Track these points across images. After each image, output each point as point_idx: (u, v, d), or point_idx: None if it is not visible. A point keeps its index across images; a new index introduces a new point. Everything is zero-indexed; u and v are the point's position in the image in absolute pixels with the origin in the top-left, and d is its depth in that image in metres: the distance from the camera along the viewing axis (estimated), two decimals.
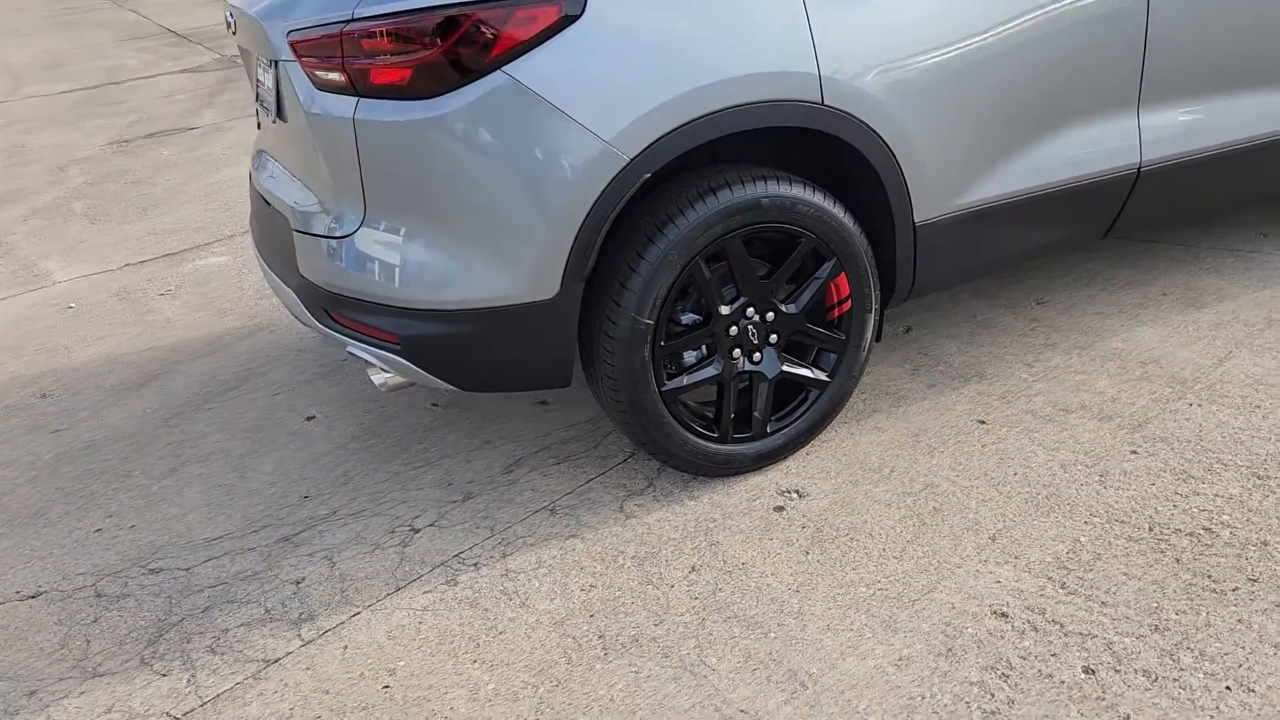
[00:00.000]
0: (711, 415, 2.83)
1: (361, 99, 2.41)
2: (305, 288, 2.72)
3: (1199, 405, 2.98)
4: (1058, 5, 2.86)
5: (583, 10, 2.36)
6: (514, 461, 3.02)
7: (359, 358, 2.68)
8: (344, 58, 2.40)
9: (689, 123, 2.45)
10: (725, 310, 2.69)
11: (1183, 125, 3.19)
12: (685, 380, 2.71)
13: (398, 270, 2.51)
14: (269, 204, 2.93)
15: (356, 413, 3.39)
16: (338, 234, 2.58)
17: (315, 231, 2.64)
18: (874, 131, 2.67)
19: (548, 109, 2.36)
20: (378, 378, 2.71)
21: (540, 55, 2.35)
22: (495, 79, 2.35)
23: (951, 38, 2.73)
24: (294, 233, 2.71)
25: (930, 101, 2.74)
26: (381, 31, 2.34)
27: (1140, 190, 3.19)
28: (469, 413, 3.31)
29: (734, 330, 2.71)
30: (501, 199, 2.42)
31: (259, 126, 3.19)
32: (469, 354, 2.56)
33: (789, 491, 2.77)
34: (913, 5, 2.70)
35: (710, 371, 2.74)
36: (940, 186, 2.84)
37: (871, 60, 2.63)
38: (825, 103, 2.59)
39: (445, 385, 2.63)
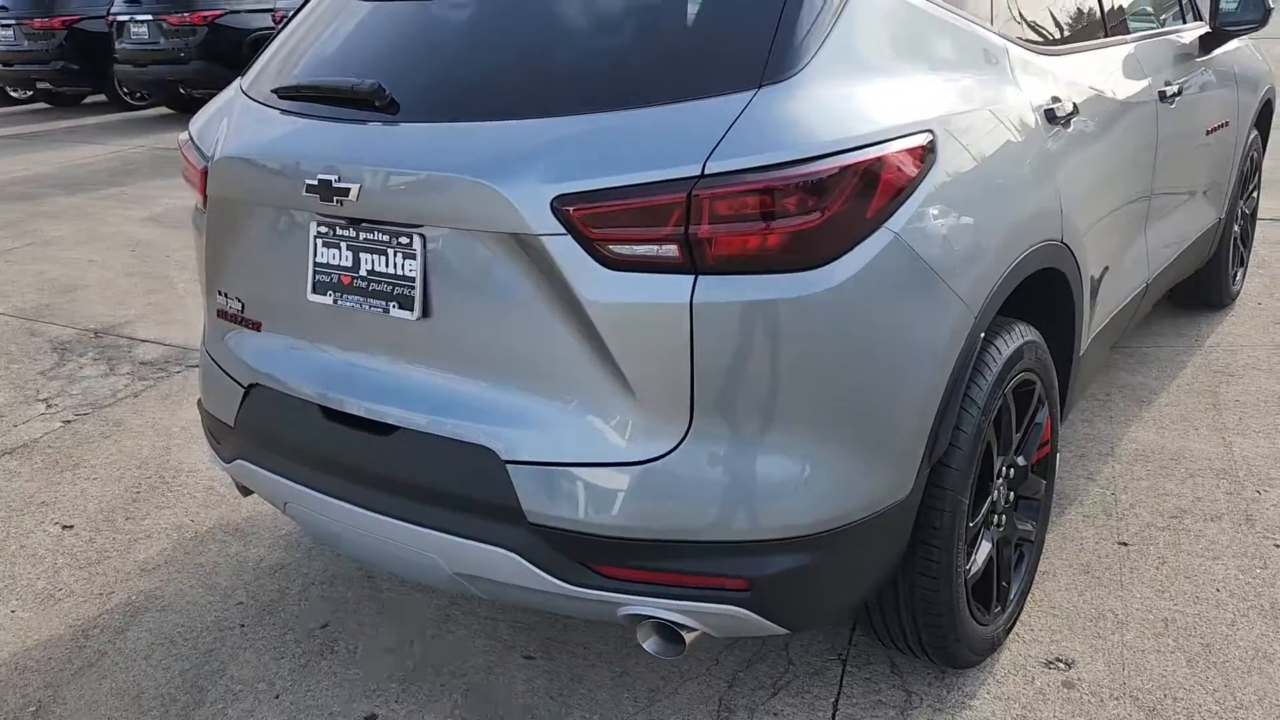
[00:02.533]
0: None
1: (701, 276, 1.81)
2: (528, 539, 1.97)
3: (1269, 489, 3.20)
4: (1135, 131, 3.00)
5: (935, 149, 2.00)
6: (720, 705, 2.41)
7: (638, 619, 1.99)
8: (685, 225, 1.78)
9: (1008, 274, 2.18)
10: (999, 473, 2.39)
11: (1165, 238, 3.48)
12: (976, 560, 2.36)
13: (749, 492, 1.89)
14: (372, 426, 2.13)
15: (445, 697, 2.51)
16: (636, 458, 1.90)
17: (574, 460, 1.93)
18: (1078, 264, 2.57)
19: (923, 269, 1.95)
20: (653, 644, 2.03)
21: (912, 205, 1.94)
22: (881, 238, 1.89)
23: (1117, 179, 2.77)
24: (510, 465, 1.96)
25: (1101, 233, 2.72)
26: (758, 189, 1.78)
27: (1145, 300, 3.41)
28: (611, 661, 2.59)
29: (997, 494, 2.42)
30: (876, 382, 1.94)
31: (278, 312, 2.30)
32: (822, 584, 2.00)
33: (1054, 662, 2.50)
34: (1101, 140, 2.70)
35: (986, 546, 2.41)
36: (1094, 315, 2.83)
37: (1079, 195, 2.56)
38: (1063, 239, 2.45)
39: (774, 629, 2.02)
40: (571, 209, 1.82)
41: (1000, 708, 2.37)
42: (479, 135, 1.96)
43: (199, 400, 2.64)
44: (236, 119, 2.36)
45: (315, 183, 2.07)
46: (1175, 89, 3.33)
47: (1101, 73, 2.93)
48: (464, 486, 2.03)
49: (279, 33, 2.58)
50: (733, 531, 1.89)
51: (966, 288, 2.04)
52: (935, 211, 1.98)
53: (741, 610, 1.93)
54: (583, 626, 2.68)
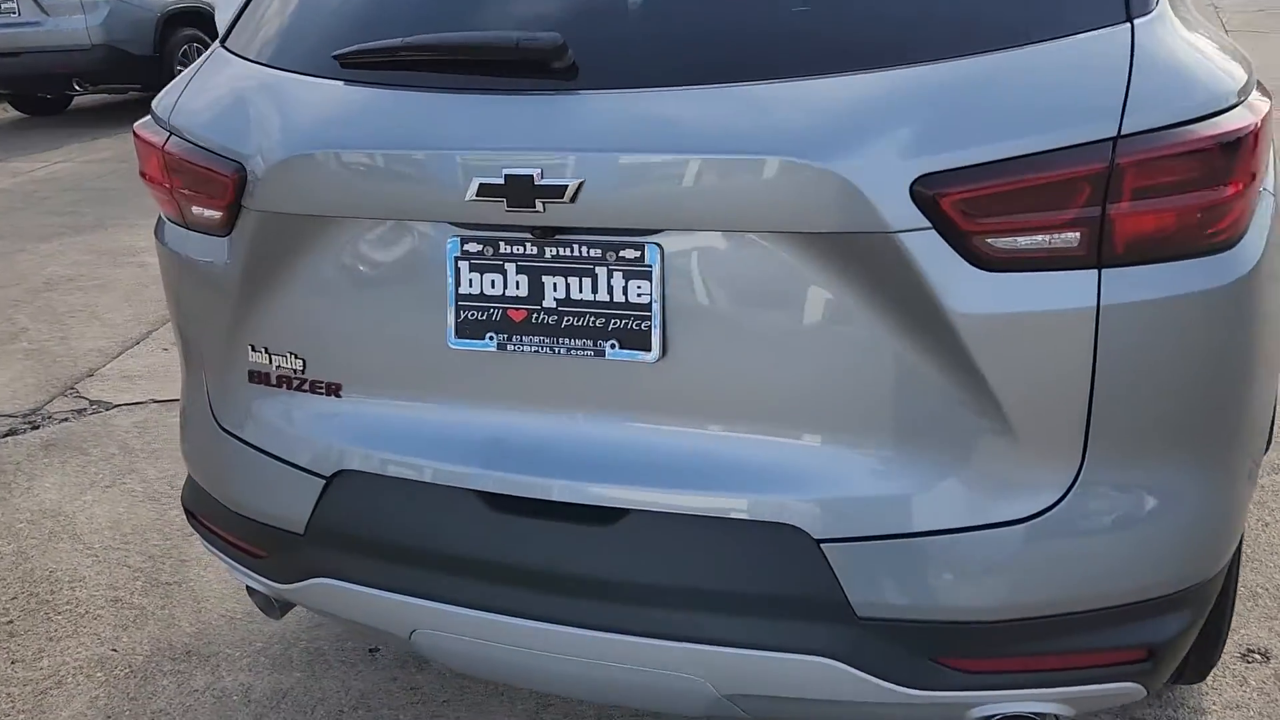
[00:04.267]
0: None
1: (1106, 270, 1.37)
2: (854, 639, 1.48)
3: None
4: None
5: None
6: None
7: None
8: (1101, 204, 1.34)
9: None
10: None
11: None
12: None
13: (1153, 539, 1.49)
14: (581, 514, 1.55)
15: None
16: (1014, 516, 1.44)
17: (925, 528, 1.45)
18: None
19: None
20: None
21: (1271, 157, 1.59)
22: (1266, 203, 1.54)
23: None
24: (826, 545, 1.46)
25: None
26: (1186, 150, 1.35)
27: None
28: None
29: None
30: (1266, 391, 1.59)
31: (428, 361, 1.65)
32: (1194, 638, 1.62)
33: (1249, 654, 2.29)
34: None
35: None
36: None
37: None
38: None
39: (1138, 695, 1.63)
40: (941, 194, 1.33)
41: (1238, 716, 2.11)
42: (775, 100, 1.41)
43: (206, 499, 1.89)
44: (287, 100, 1.65)
45: (498, 182, 1.44)
46: None
47: None
48: (751, 581, 1.49)
49: None
50: (1136, 590, 1.48)
51: None
52: None
53: (1134, 685, 1.53)
54: None
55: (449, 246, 1.55)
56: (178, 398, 2.12)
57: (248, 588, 1.94)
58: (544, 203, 1.43)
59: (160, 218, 1.90)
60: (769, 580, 1.48)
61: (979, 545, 1.44)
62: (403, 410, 1.66)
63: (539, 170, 1.42)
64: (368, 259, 1.61)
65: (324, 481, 1.70)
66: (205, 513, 1.92)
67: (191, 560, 2.76)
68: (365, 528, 1.69)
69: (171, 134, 1.76)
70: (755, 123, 1.39)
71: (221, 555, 1.91)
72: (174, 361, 3.80)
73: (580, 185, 1.41)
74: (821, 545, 1.45)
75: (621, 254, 1.47)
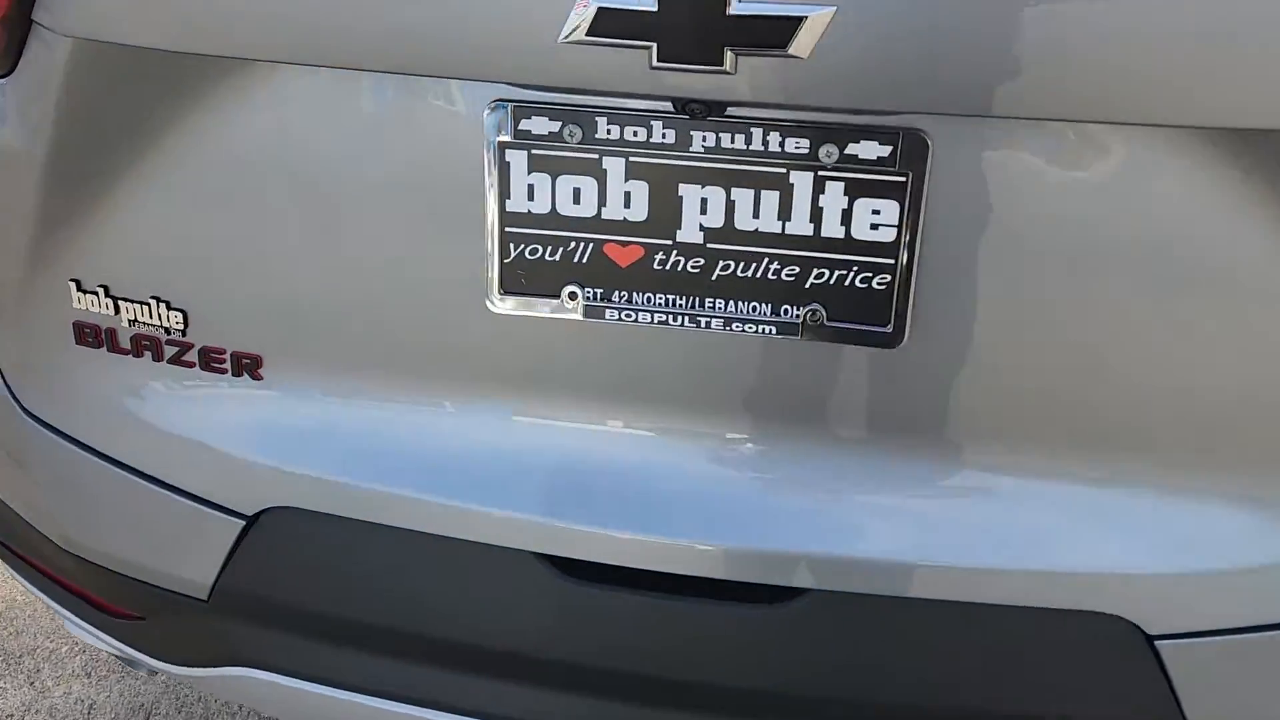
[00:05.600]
0: None
1: None
2: None
3: None
4: None
5: None
6: None
7: None
8: None
9: None
10: None
11: None
12: None
13: None
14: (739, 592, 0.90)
15: None
16: None
17: None
18: None
19: None
20: None
21: None
22: None
23: None
24: (1162, 642, 0.88)
25: None
26: None
27: None
28: None
29: None
30: None
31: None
32: None
33: None
34: None
35: None
36: None
37: None
38: None
39: None
40: None
41: None
42: None
43: (11, 520, 1.13)
44: None
45: (640, 5, 0.69)
46: None
47: None
48: (1021, 701, 0.90)
49: None
50: None
51: None
52: None
53: None
54: None
55: (488, 124, 0.80)
56: None
57: None
58: (739, 54, 0.70)
59: None
60: (1052, 700, 0.90)
61: None
62: (386, 411, 0.94)
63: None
64: (314, 144, 0.85)
65: (242, 523, 0.97)
66: (12, 537, 1.15)
67: None
68: (322, 597, 0.98)
69: None
70: None
71: (55, 605, 1.17)
72: None
73: (831, 20, 0.69)
74: (1156, 644, 0.87)
75: (849, 149, 0.77)
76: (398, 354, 0.91)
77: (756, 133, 0.78)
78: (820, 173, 0.78)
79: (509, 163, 0.81)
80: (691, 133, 0.78)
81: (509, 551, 0.92)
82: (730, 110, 0.76)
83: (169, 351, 0.96)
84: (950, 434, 0.86)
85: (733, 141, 0.78)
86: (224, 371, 0.96)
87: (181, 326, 0.95)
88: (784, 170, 0.78)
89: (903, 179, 0.77)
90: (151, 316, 0.95)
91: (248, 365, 0.95)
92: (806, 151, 0.78)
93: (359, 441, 0.94)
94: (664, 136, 0.79)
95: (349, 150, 0.84)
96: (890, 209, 0.78)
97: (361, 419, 0.94)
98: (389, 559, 0.96)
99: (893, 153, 0.77)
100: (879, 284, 0.81)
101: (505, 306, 0.85)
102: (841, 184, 0.78)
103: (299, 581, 0.99)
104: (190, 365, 0.96)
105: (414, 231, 0.86)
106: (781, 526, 0.88)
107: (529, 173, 0.81)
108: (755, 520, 0.88)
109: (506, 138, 0.81)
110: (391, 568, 0.96)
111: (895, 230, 0.79)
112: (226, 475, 0.96)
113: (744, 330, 0.83)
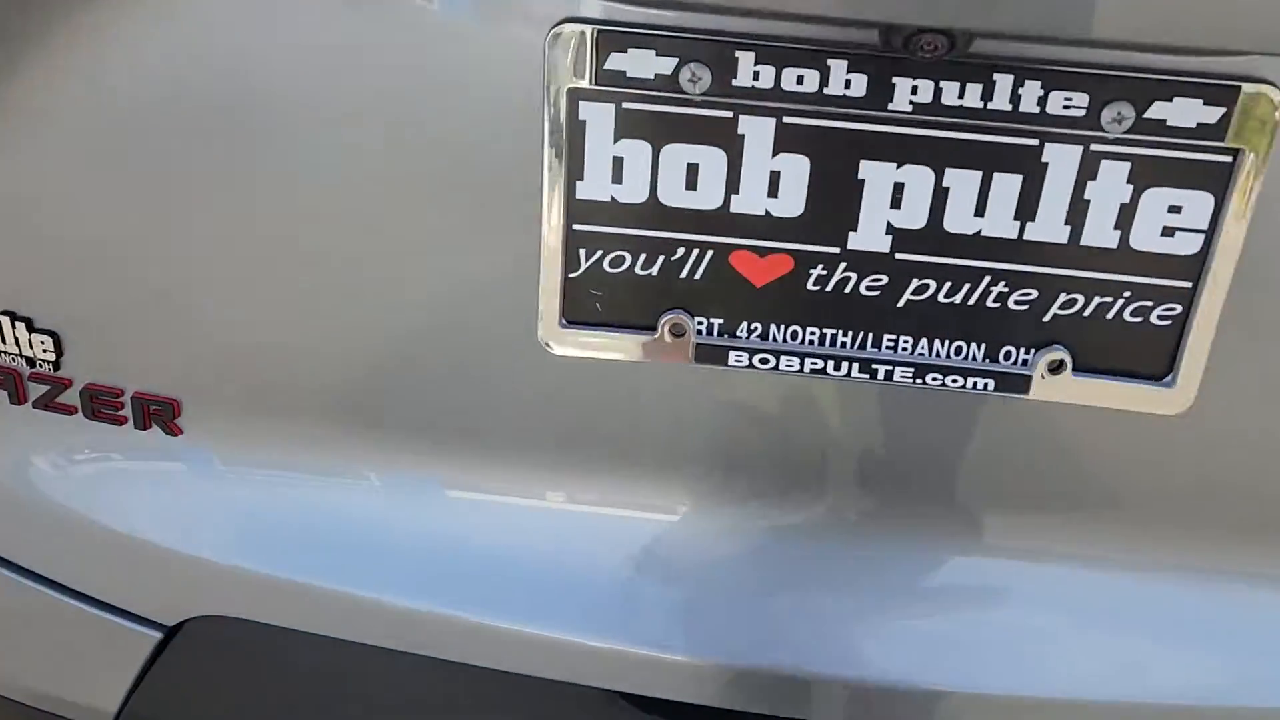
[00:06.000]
0: None
1: None
2: None
3: None
4: None
5: None
6: None
7: None
8: None
9: None
10: None
11: None
12: None
13: None
14: None
15: None
16: None
17: None
18: None
19: None
20: None
21: None
22: None
23: None
24: None
25: None
26: None
27: None
28: None
29: None
30: None
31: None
32: None
33: None
34: None
35: None
36: None
37: None
38: None
39: None
40: None
41: None
42: None
43: None
44: None
45: None
46: None
47: None
48: None
49: None
50: None
51: None
52: None
53: None
54: None
55: (551, 60, 0.48)
56: None
57: None
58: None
59: None
60: None
61: None
62: (366, 486, 0.64)
63: None
64: (261, 76, 0.52)
65: (158, 636, 0.67)
66: None
67: None
68: None
69: None
70: None
71: None
72: None
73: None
74: None
75: (1152, 111, 0.47)
76: (387, 407, 0.61)
77: (1003, 82, 0.47)
78: (1096, 146, 0.49)
79: (584, 122, 0.50)
80: (895, 80, 0.48)
81: (547, 683, 0.63)
82: (979, 44, 0.46)
83: (34, 391, 0.64)
84: (1245, 531, 0.58)
85: (961, 96, 0.48)
86: (122, 421, 0.64)
87: (52, 357, 0.63)
88: (1036, 142, 0.49)
89: (1227, 160, 0.48)
90: (4, 341, 0.63)
91: (158, 414, 0.63)
92: (1083, 113, 0.48)
93: (322, 526, 0.64)
94: (847, 86, 0.48)
95: (317, 91, 0.52)
96: (1201, 205, 0.50)
97: (327, 496, 0.64)
98: (355, 679, 0.67)
99: (1223, 118, 0.47)
100: (1159, 318, 0.52)
101: (568, 345, 0.55)
102: (1128, 164, 0.49)
103: (230, 713, 0.69)
104: (69, 411, 0.64)
105: (418, 227, 0.55)
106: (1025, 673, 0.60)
107: (616, 139, 0.50)
108: (942, 655, 0.60)
109: (582, 83, 0.49)
110: (365, 693, 0.67)
111: (1203, 238, 0.50)
112: (133, 572, 0.66)
113: (944, 384, 0.54)
